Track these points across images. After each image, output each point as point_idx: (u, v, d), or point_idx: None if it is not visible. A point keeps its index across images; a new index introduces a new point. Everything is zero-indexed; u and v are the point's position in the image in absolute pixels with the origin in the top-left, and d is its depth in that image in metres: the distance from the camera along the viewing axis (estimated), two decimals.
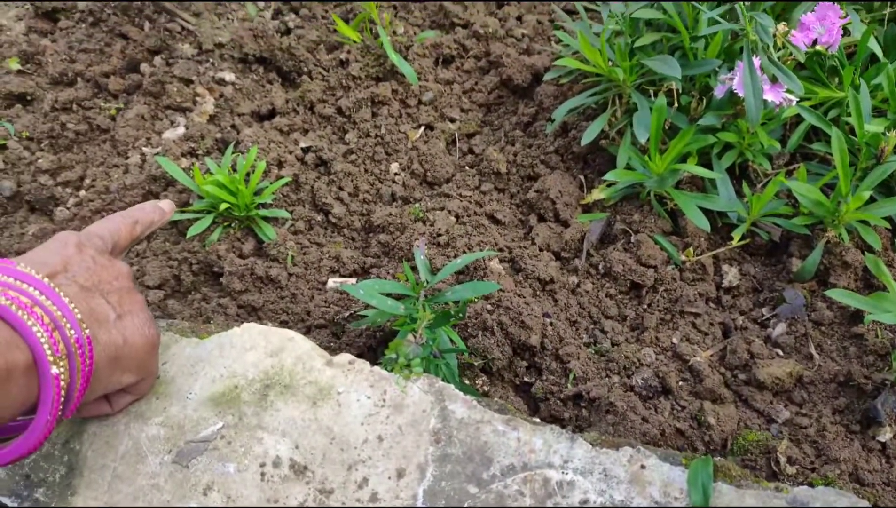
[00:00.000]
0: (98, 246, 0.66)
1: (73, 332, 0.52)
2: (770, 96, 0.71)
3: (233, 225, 0.99)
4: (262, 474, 0.58)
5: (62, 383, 0.50)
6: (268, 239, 0.97)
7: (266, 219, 1.00)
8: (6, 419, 0.48)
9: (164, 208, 0.79)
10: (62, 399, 0.50)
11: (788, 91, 0.72)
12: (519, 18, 1.21)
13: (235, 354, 0.66)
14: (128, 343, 0.58)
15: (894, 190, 0.78)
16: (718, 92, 0.76)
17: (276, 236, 0.97)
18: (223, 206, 0.95)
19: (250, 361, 0.65)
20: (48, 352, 0.49)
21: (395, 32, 1.20)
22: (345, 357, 0.65)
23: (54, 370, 0.49)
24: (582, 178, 0.96)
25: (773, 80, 0.71)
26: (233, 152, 1.05)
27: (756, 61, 0.71)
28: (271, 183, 1.03)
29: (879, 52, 0.82)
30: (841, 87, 0.81)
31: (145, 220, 0.75)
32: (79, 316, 0.53)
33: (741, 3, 0.67)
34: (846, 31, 0.84)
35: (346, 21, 1.24)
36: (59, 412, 0.50)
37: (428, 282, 0.84)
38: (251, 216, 0.98)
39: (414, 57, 1.16)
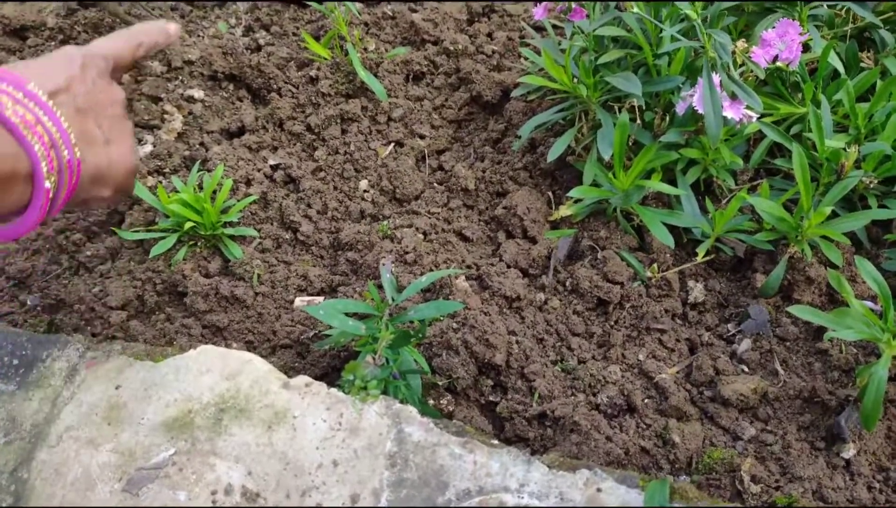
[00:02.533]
0: (100, 67, 0.68)
1: (66, 153, 0.58)
2: (730, 113, 0.71)
3: (199, 244, 0.98)
4: (213, 501, 0.56)
5: (50, 194, 0.56)
6: (234, 258, 0.96)
7: (233, 237, 0.99)
8: (2, 215, 0.56)
9: (170, 30, 0.79)
10: (48, 207, 0.57)
11: (748, 108, 0.72)
12: (489, 35, 1.21)
13: (191, 377, 0.64)
14: (111, 166, 0.64)
15: (856, 205, 0.78)
16: (680, 109, 0.76)
17: (242, 254, 0.96)
18: (188, 225, 0.94)
19: (206, 384, 0.64)
20: (44, 169, 0.55)
21: (365, 49, 1.20)
22: (302, 380, 0.64)
23: (47, 184, 0.55)
24: (550, 194, 0.96)
25: (733, 96, 0.71)
26: (199, 170, 1.05)
27: (716, 78, 0.71)
28: (239, 201, 1.02)
29: (840, 68, 0.82)
30: (803, 102, 0.82)
31: (149, 42, 0.76)
32: (73, 139, 0.59)
33: (699, 21, 0.67)
34: (807, 47, 0.85)
35: (317, 38, 1.24)
36: (45, 215, 0.58)
37: (394, 300, 0.83)
38: (217, 235, 0.97)
39: (384, 74, 1.15)
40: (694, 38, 0.71)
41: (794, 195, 0.77)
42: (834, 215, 0.77)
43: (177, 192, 0.98)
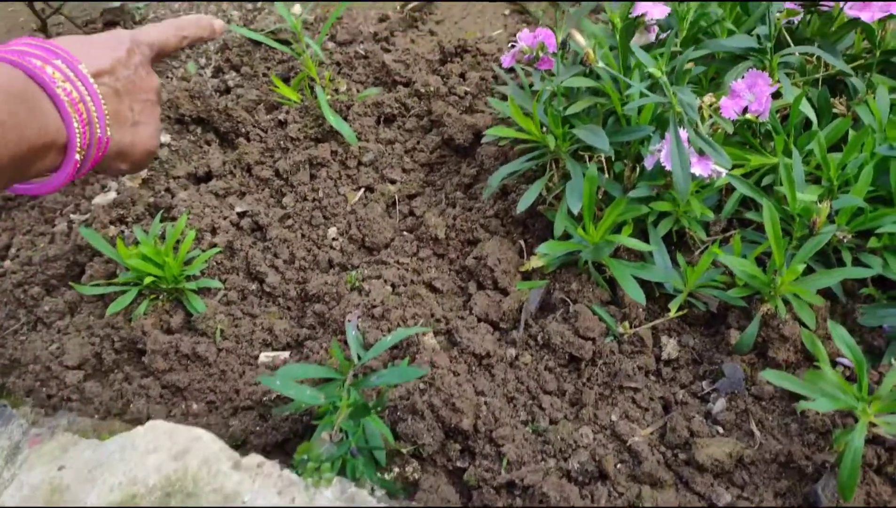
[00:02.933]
0: (145, 55, 0.74)
1: (98, 131, 0.64)
2: (698, 170, 0.69)
3: (160, 298, 0.95)
4: None
5: (78, 165, 0.62)
6: (196, 312, 0.93)
7: (196, 290, 0.96)
8: (32, 176, 0.61)
9: (216, 27, 0.84)
10: (74, 173, 0.63)
11: (718, 163, 0.70)
12: (462, 76, 1.19)
13: (137, 457, 0.61)
14: (134, 146, 0.71)
15: (831, 259, 0.76)
16: (648, 163, 0.74)
17: (205, 308, 0.92)
18: (148, 279, 0.91)
19: (152, 465, 0.61)
20: (78, 144, 0.61)
21: (336, 90, 1.18)
22: (254, 459, 0.61)
23: (77, 156, 0.62)
24: (522, 242, 0.94)
25: (701, 153, 0.69)
26: (163, 219, 1.02)
27: (683, 134, 0.70)
28: (203, 251, 0.99)
29: (812, 116, 0.81)
30: (774, 152, 0.80)
31: (194, 35, 0.82)
32: (107, 120, 0.65)
33: (663, 78, 0.65)
34: (778, 94, 0.83)
35: (287, 80, 1.22)
36: (70, 180, 0.63)
37: (359, 358, 0.80)
38: (179, 288, 0.94)
39: (355, 116, 1.13)
40: (661, 92, 0.69)
41: (767, 249, 0.75)
42: (809, 269, 0.75)
43: (136, 245, 0.95)
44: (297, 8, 1.39)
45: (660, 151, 0.71)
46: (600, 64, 0.70)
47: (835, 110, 0.86)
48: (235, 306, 0.96)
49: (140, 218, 1.05)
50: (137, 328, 0.91)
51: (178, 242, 0.97)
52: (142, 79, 0.73)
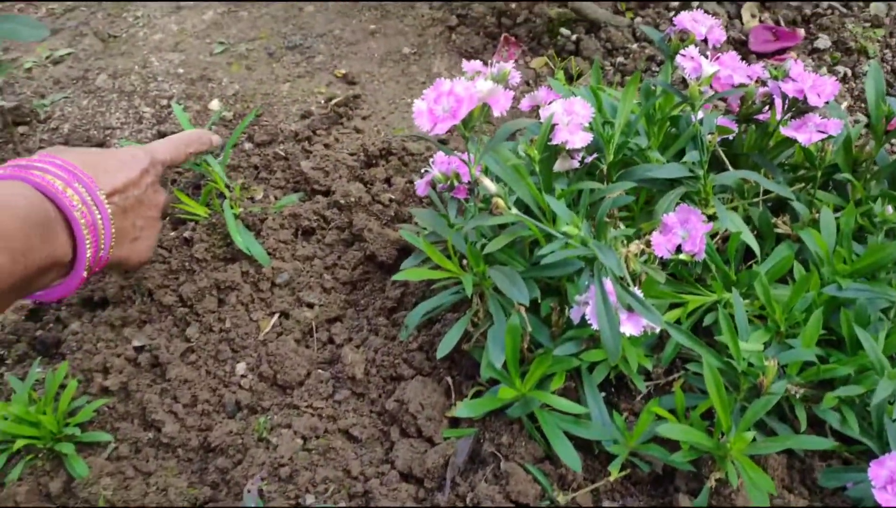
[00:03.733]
0: (157, 173, 0.79)
1: (103, 251, 0.69)
2: (629, 328, 0.61)
3: (39, 456, 0.83)
4: None
5: (83, 280, 0.68)
6: (78, 476, 0.80)
7: (82, 444, 0.84)
8: (32, 292, 0.65)
9: (214, 141, 0.93)
10: (76, 287, 0.68)
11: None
12: (387, 181, 1.11)
13: None
14: (129, 259, 0.77)
15: (784, 412, 0.68)
16: (575, 316, 0.66)
17: (87, 472, 0.81)
18: (20, 443, 0.79)
19: None
20: (86, 264, 0.66)
21: (252, 199, 1.09)
22: None
23: (84, 274, 0.67)
24: (449, 380, 0.84)
25: (630, 309, 0.61)
26: (51, 357, 0.90)
27: (609, 286, 0.62)
28: (92, 396, 0.87)
29: (754, 245, 0.74)
30: (712, 288, 0.73)
31: (196, 150, 0.89)
32: (112, 240, 0.70)
33: (581, 235, 0.58)
34: (713, 217, 0.77)
35: (199, 188, 1.12)
36: (71, 292, 0.69)
37: None
38: (59, 447, 0.82)
39: (269, 231, 1.04)
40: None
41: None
42: (761, 422, 0.67)
43: (8, 401, 0.83)
44: (215, 104, 1.31)
45: (586, 303, 0.63)
46: (513, 211, 0.62)
47: (778, 231, 0.79)
48: (127, 463, 0.84)
49: (22, 359, 0.93)
50: (10, 496, 0.79)
51: (63, 388, 0.86)
52: (149, 198, 0.78)
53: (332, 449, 0.81)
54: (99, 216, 0.67)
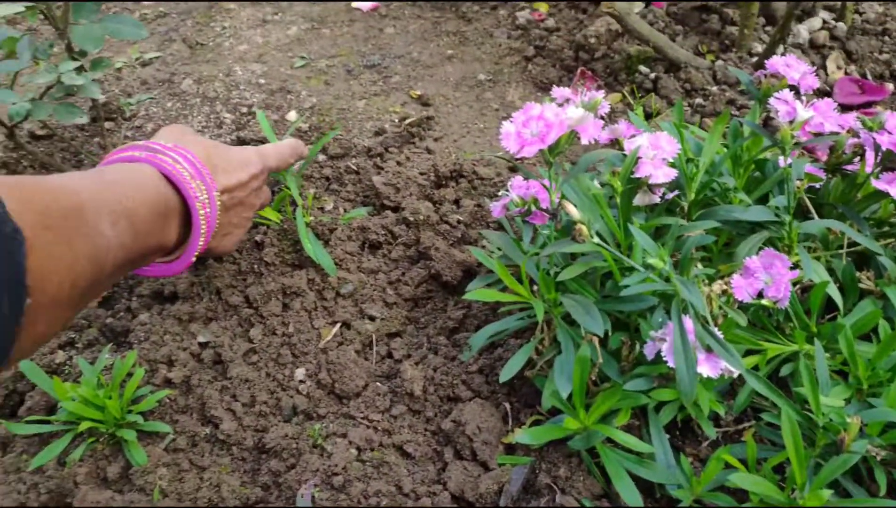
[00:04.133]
0: (263, 178, 0.84)
1: (203, 243, 0.73)
2: (706, 370, 0.60)
3: (100, 440, 0.85)
4: None
5: (189, 264, 0.74)
6: (136, 464, 0.82)
7: (142, 432, 0.86)
8: (133, 270, 0.70)
9: (304, 153, 0.98)
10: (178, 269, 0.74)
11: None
12: (456, 202, 1.12)
13: None
14: (215, 250, 0.81)
15: (861, 474, 0.65)
16: (649, 352, 0.64)
17: (145, 460, 0.82)
18: (85, 425, 0.81)
19: None
20: (196, 251, 0.72)
21: (322, 209, 1.11)
22: None
23: (192, 260, 0.74)
24: (507, 405, 0.84)
25: (709, 350, 0.60)
26: (118, 346, 0.93)
27: (689, 324, 0.60)
28: (156, 387, 0.89)
29: (838, 298, 0.72)
30: (793, 337, 0.71)
31: (295, 158, 0.94)
32: (213, 231, 0.74)
33: (667, 268, 0.57)
34: (797, 266, 0.75)
35: (274, 193, 1.15)
36: (175, 273, 0.76)
37: None
38: (121, 433, 0.84)
39: (337, 241, 1.05)
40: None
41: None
42: (835, 482, 0.64)
43: (77, 382, 0.85)
44: (292, 115, 1.34)
45: (662, 339, 0.62)
46: (595, 239, 0.61)
47: (861, 286, 0.77)
48: (183, 456, 0.85)
49: (92, 343, 0.96)
50: (70, 476, 0.81)
51: (129, 375, 0.88)
52: (250, 200, 0.82)
53: (385, 463, 0.80)
54: (210, 210, 0.71)
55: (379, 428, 0.85)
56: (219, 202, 0.73)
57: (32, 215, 0.47)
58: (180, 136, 0.78)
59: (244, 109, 1.36)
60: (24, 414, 0.88)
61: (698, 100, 1.26)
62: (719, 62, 1.32)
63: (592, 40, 1.40)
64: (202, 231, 0.71)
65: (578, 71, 1.36)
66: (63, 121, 0.91)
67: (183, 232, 0.73)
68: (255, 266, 1.03)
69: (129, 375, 0.88)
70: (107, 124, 1.33)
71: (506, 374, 0.75)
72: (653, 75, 1.32)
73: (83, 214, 0.54)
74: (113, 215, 0.58)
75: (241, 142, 1.25)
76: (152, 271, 0.74)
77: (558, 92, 0.71)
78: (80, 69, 0.90)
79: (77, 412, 0.81)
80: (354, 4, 1.70)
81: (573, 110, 0.63)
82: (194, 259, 0.73)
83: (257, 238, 1.06)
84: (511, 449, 0.80)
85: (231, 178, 0.77)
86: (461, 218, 1.08)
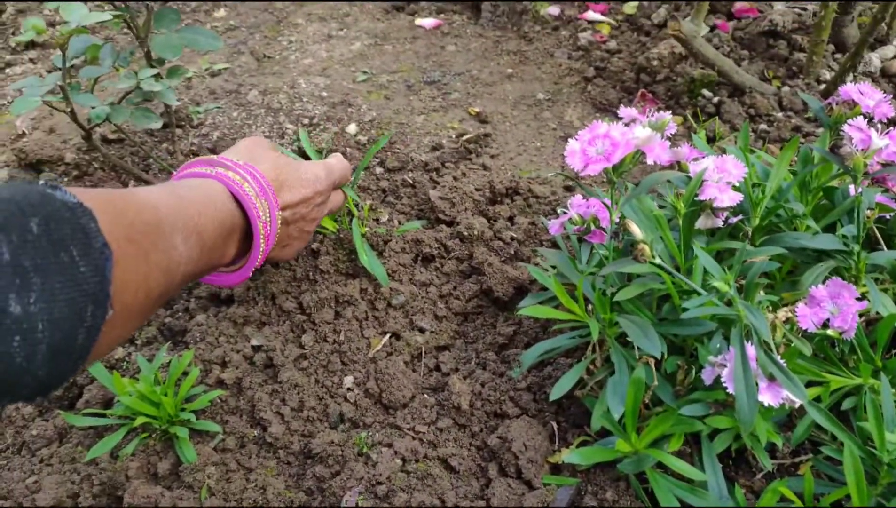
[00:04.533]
0: (327, 196, 0.86)
1: (261, 258, 0.76)
2: (767, 398, 0.58)
3: (153, 436, 0.87)
4: None
5: (247, 278, 0.77)
6: (187, 461, 0.84)
7: (193, 430, 0.88)
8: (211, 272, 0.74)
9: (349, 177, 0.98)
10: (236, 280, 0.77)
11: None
12: (510, 219, 1.12)
13: None
14: (274, 258, 0.84)
15: None
16: (707, 377, 0.63)
17: (195, 458, 0.84)
18: (140, 420, 0.83)
19: None
20: (257, 262, 0.75)
21: (377, 220, 1.12)
22: None
23: (250, 274, 0.76)
24: (554, 425, 0.83)
25: (771, 378, 0.58)
26: (172, 348, 0.95)
27: (751, 351, 0.59)
28: (209, 387, 0.91)
29: None
30: (857, 370, 0.68)
31: (348, 179, 0.97)
32: (272, 246, 0.77)
33: (731, 292, 0.55)
34: (863, 296, 0.72)
35: None
36: (234, 284, 0.79)
37: None
38: (174, 430, 0.86)
39: (391, 253, 1.06)
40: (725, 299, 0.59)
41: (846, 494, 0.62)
42: None
43: (135, 378, 0.88)
44: (352, 127, 1.37)
45: (722, 364, 0.61)
46: (657, 260, 0.60)
47: None
48: (231, 456, 0.86)
49: (150, 341, 0.99)
50: (122, 470, 0.83)
51: (184, 374, 0.90)
52: (312, 214, 0.84)
53: (429, 476, 0.80)
54: (270, 227, 0.74)
55: (424, 440, 0.85)
56: (280, 219, 0.76)
57: (120, 230, 0.50)
58: (254, 149, 0.81)
59: (306, 121, 1.39)
60: (82, 407, 0.91)
61: (763, 126, 1.23)
62: (786, 88, 1.30)
63: (655, 63, 1.39)
64: (261, 249, 0.74)
65: (639, 93, 1.35)
66: (139, 125, 0.95)
67: (243, 246, 0.76)
68: (310, 274, 1.05)
69: (185, 374, 0.91)
70: (177, 131, 1.38)
71: (556, 392, 0.74)
72: (716, 100, 1.30)
73: (161, 229, 0.57)
74: (185, 231, 0.61)
75: (302, 152, 1.28)
76: (212, 280, 0.78)
77: (625, 112, 0.71)
78: (157, 76, 0.94)
79: (133, 406, 0.83)
80: (417, 22, 1.73)
81: (640, 130, 0.62)
82: (251, 274, 0.77)
83: (314, 246, 1.07)
84: (557, 469, 0.79)
85: (295, 194, 0.79)
86: (515, 235, 1.08)
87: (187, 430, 0.86)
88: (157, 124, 0.98)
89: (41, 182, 0.48)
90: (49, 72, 1.61)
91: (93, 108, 0.94)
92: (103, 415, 0.88)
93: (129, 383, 0.86)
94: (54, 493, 0.82)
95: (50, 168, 1.30)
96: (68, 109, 0.98)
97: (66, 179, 1.29)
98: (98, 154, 1.29)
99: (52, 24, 1.80)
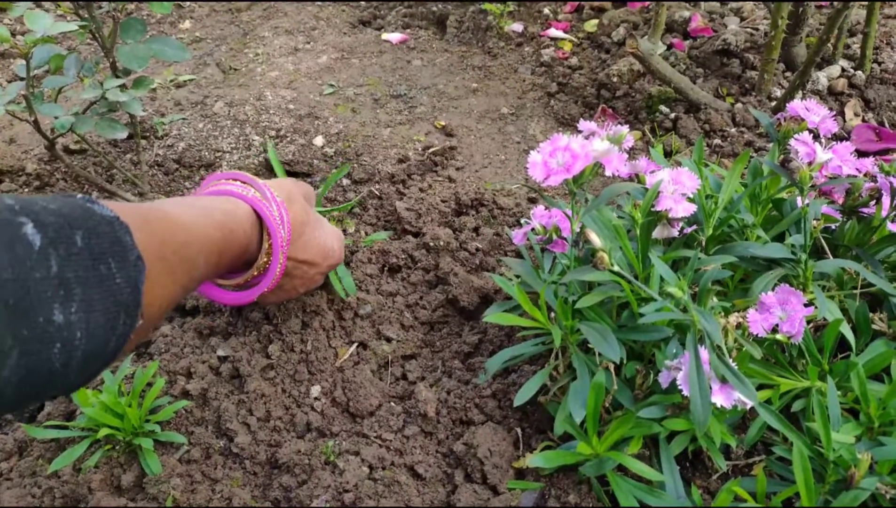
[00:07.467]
0: (328, 272, 0.93)
1: (267, 290, 0.80)
2: (720, 399, 0.60)
3: (116, 448, 0.86)
4: None
5: (251, 301, 0.81)
6: (151, 473, 0.83)
7: (158, 442, 0.87)
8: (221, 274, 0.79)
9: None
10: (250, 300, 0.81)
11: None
12: (476, 230, 1.14)
13: None
14: (266, 300, 0.89)
15: None
16: (663, 380, 0.65)
17: (160, 469, 0.83)
18: (104, 432, 0.83)
19: None
20: (270, 282, 0.79)
21: (344, 231, 1.13)
22: None
23: (255, 297, 0.80)
24: (519, 431, 0.84)
25: (724, 380, 0.61)
26: (136, 360, 0.95)
27: (704, 354, 0.61)
28: (174, 398, 0.91)
29: (851, 337, 0.72)
30: (805, 373, 0.71)
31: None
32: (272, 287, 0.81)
33: (686, 298, 0.58)
34: (811, 303, 0.76)
35: None
36: (247, 303, 0.82)
37: None
38: (138, 441, 0.85)
39: (358, 263, 1.08)
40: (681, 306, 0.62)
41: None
42: None
43: (98, 390, 0.87)
44: (319, 140, 1.38)
45: (677, 368, 0.63)
46: (615, 268, 0.63)
47: (874, 327, 0.78)
48: (196, 467, 0.86)
49: None
50: (85, 482, 0.82)
51: (149, 385, 0.90)
52: (310, 280, 0.89)
53: (396, 483, 0.81)
54: (279, 271, 0.79)
55: (391, 448, 0.86)
56: (288, 257, 0.81)
57: (153, 246, 0.53)
58: (292, 189, 0.83)
59: (272, 133, 1.40)
60: (43, 419, 0.90)
61: (717, 141, 1.28)
62: (739, 105, 1.35)
63: (615, 79, 1.43)
64: (274, 279, 0.79)
65: (600, 108, 1.39)
66: (105, 135, 0.95)
67: (242, 266, 0.79)
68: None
69: (149, 385, 0.90)
70: (140, 142, 1.37)
71: (520, 398, 0.76)
72: (673, 115, 1.34)
73: (189, 249, 0.60)
74: (209, 254, 0.65)
75: (268, 164, 1.29)
76: (215, 296, 0.82)
77: (585, 125, 0.73)
78: (122, 87, 0.94)
79: (97, 418, 0.83)
80: (384, 37, 1.75)
81: (599, 143, 0.65)
82: (256, 298, 0.81)
83: None
84: (521, 474, 0.81)
85: (307, 253, 0.83)
86: (480, 246, 1.10)
87: (152, 441, 0.85)
88: (123, 134, 0.98)
89: (79, 196, 0.51)
90: (10, 81, 1.59)
91: (56, 117, 0.94)
92: (66, 427, 0.87)
93: (93, 394, 0.85)
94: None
95: (10, 179, 1.28)
96: (31, 119, 0.97)
97: (27, 189, 1.27)
98: (61, 164, 1.28)
99: (14, 34, 1.77)
